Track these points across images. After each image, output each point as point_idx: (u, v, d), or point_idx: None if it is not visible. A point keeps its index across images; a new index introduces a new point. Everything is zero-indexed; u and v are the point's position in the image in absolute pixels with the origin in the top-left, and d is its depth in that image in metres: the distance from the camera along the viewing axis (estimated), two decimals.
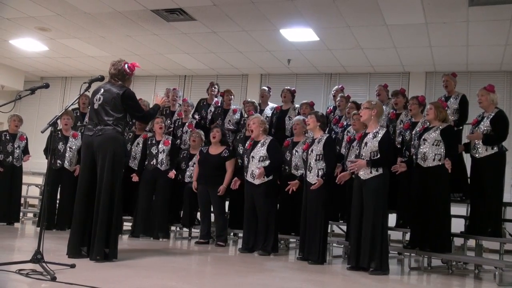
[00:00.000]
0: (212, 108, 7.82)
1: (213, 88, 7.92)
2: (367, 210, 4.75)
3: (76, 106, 7.72)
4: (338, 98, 7.16)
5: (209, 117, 7.78)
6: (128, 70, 4.57)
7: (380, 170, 4.76)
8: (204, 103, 7.96)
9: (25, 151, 7.60)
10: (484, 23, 7.07)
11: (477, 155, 5.48)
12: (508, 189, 8.80)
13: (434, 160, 5.13)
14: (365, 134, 5.00)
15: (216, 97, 7.94)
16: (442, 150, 5.11)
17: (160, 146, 6.78)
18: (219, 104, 7.83)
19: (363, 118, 5.02)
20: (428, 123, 5.41)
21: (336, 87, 7.82)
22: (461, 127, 6.18)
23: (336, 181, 5.18)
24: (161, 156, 6.73)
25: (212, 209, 6.53)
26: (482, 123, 5.49)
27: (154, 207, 6.73)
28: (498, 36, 7.49)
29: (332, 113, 7.24)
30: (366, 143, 4.89)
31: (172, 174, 6.72)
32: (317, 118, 5.48)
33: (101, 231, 4.24)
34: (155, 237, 6.61)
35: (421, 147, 5.25)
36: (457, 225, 6.05)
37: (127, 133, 7.23)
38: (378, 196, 4.73)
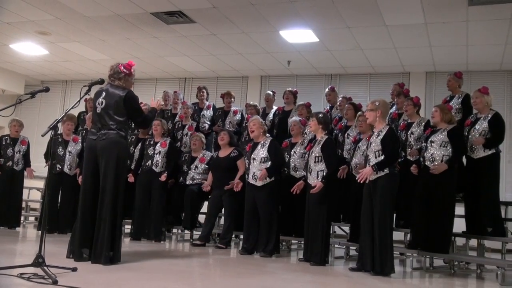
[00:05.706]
0: (205, 112, 7.82)
1: (201, 93, 7.94)
2: (373, 210, 4.74)
3: (83, 109, 7.76)
4: (340, 99, 7.14)
5: (206, 121, 7.77)
6: (124, 70, 4.54)
7: (386, 170, 4.72)
8: (196, 107, 7.97)
9: (26, 156, 7.56)
10: (483, 23, 7.07)
11: (474, 156, 5.51)
12: (509, 188, 8.82)
13: (442, 161, 5.15)
14: (372, 134, 5.00)
15: (207, 100, 7.95)
16: (449, 151, 5.17)
17: (157, 147, 6.77)
18: (211, 108, 7.84)
19: (369, 120, 5.01)
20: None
21: (328, 89, 7.72)
22: None
23: (357, 179, 4.90)
24: (157, 158, 6.72)
25: (219, 214, 6.53)
26: (478, 124, 5.52)
27: (150, 209, 6.69)
28: (498, 36, 7.50)
29: (329, 114, 7.21)
30: (371, 143, 4.90)
31: (163, 177, 6.64)
32: (318, 120, 5.41)
33: (104, 235, 4.24)
34: (149, 239, 6.58)
35: (429, 149, 5.28)
36: (459, 225, 6.04)
37: (129, 136, 7.23)
38: (383, 196, 4.69)
